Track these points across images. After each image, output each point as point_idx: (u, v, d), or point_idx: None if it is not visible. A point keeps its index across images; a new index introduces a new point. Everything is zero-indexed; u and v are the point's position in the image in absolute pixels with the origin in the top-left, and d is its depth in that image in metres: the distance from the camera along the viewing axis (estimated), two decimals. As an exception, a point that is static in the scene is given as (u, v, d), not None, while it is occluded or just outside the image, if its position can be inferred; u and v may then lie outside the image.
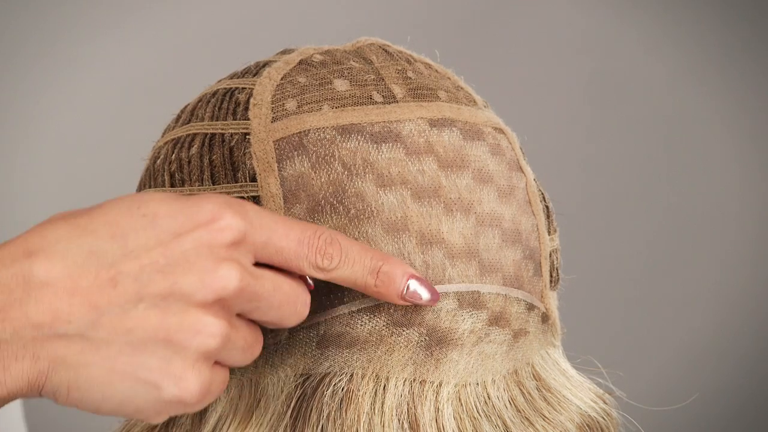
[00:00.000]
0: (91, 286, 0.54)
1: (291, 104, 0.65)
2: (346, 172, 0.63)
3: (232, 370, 0.63)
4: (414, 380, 0.63)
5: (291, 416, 0.62)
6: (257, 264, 0.58)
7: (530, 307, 0.66)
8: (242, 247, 0.56)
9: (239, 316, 0.57)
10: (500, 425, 0.64)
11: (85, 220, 0.55)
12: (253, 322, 0.59)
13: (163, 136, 0.70)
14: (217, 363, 0.57)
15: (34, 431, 1.62)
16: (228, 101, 0.67)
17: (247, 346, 0.58)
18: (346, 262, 0.59)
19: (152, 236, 0.55)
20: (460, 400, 0.63)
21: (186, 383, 0.55)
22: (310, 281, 0.60)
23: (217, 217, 0.56)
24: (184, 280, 0.54)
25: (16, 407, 1.47)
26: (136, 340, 0.54)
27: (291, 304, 0.58)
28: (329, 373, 0.63)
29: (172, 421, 0.68)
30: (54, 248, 0.54)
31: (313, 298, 0.62)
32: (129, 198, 0.56)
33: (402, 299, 0.61)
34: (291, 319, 0.59)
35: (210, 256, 0.55)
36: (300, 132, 0.64)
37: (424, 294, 0.61)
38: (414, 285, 0.61)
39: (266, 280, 0.57)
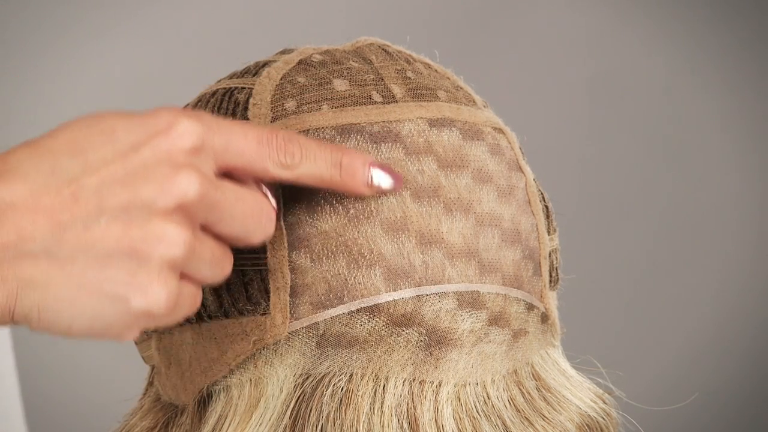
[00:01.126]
0: (53, 202, 0.53)
1: (290, 104, 0.65)
2: (345, 172, 0.63)
3: (231, 371, 0.64)
4: (413, 380, 0.63)
5: (290, 416, 0.62)
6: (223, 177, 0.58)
7: (530, 307, 0.66)
8: (202, 154, 0.56)
9: (205, 230, 0.57)
10: (500, 425, 0.64)
11: (45, 140, 0.55)
12: (221, 241, 0.58)
13: (162, 136, 0.70)
14: (186, 277, 0.57)
15: (34, 431, 1.62)
16: (227, 101, 0.67)
17: (215, 260, 0.57)
18: (308, 157, 0.59)
19: (111, 150, 0.55)
20: (459, 400, 0.63)
21: (152, 293, 0.54)
22: (273, 202, 0.60)
23: (173, 124, 0.55)
24: (143, 189, 0.54)
25: (16, 407, 1.47)
26: (101, 253, 0.54)
27: (255, 217, 0.58)
28: (328, 373, 0.63)
29: (171, 421, 0.68)
30: (16, 170, 0.54)
31: (312, 297, 0.62)
32: (87, 116, 0.56)
33: (369, 188, 0.61)
34: (257, 233, 0.58)
35: (169, 163, 0.55)
36: (299, 132, 0.64)
37: (387, 180, 0.61)
38: (377, 173, 0.61)
39: (228, 190, 0.57)
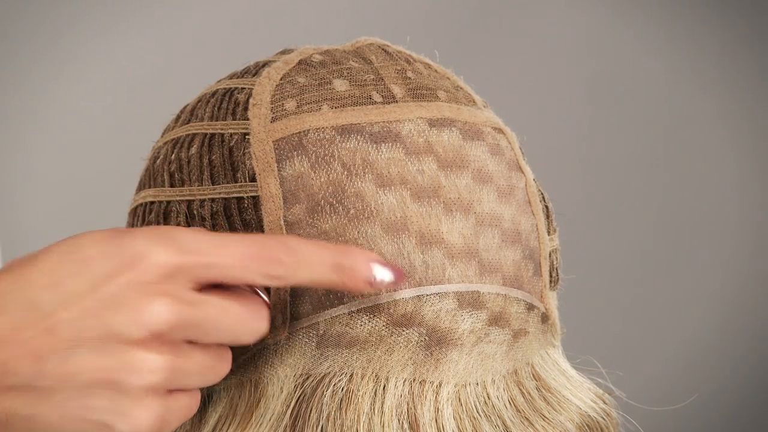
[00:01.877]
0: (32, 337, 0.55)
1: (290, 104, 0.65)
2: (345, 172, 0.63)
3: (232, 371, 0.64)
4: (414, 380, 0.63)
5: (291, 416, 0.62)
6: (210, 287, 0.58)
7: (530, 307, 0.66)
8: (178, 278, 0.57)
9: (192, 342, 0.58)
10: (500, 425, 0.64)
11: (26, 269, 0.57)
12: (211, 347, 0.59)
13: (162, 136, 0.70)
14: (177, 390, 0.58)
15: None
16: (227, 101, 0.67)
17: (205, 370, 0.58)
18: (302, 264, 0.59)
19: (84, 281, 0.56)
20: (459, 400, 0.63)
21: (135, 420, 0.56)
22: (265, 297, 0.60)
23: (146, 254, 0.56)
24: (115, 320, 0.56)
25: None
26: (81, 384, 0.56)
27: (244, 324, 0.59)
28: (329, 373, 0.63)
29: (171, 422, 0.68)
30: None
31: (312, 297, 0.62)
32: (65, 243, 0.58)
33: (370, 286, 0.60)
34: (247, 337, 0.59)
35: (141, 293, 0.56)
36: (299, 132, 0.64)
37: (389, 276, 0.60)
38: (379, 270, 0.60)
39: (209, 305, 0.57)
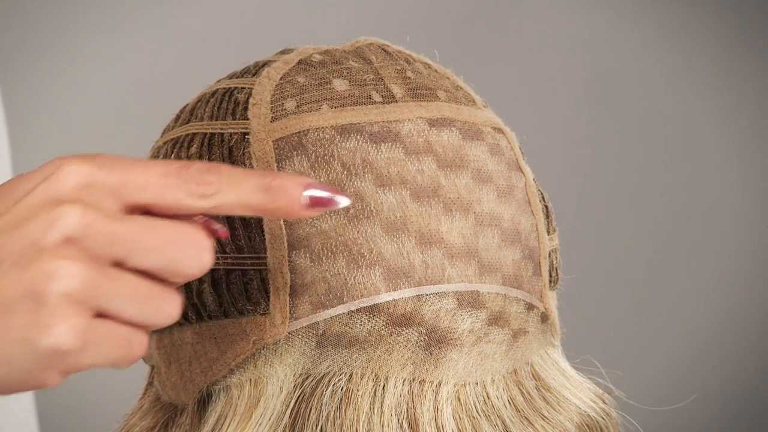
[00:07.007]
0: None
1: (290, 104, 0.65)
2: (345, 172, 0.63)
3: (232, 371, 0.64)
4: (413, 380, 0.63)
5: (290, 416, 0.62)
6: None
7: (529, 307, 0.66)
8: (92, 190, 0.55)
9: (122, 267, 0.55)
10: (499, 425, 0.64)
11: None
12: (152, 278, 0.56)
13: (162, 136, 0.70)
14: (110, 317, 0.55)
15: (45, 429, 1.62)
16: (227, 101, 0.67)
17: (139, 297, 0.55)
18: (230, 184, 0.56)
19: (6, 201, 0.55)
20: (459, 399, 0.64)
21: (55, 329, 0.53)
22: (220, 227, 0.58)
23: (60, 167, 0.55)
24: (29, 229, 0.54)
25: (29, 403, 1.47)
26: (4, 302, 0.54)
27: (175, 248, 0.55)
28: (328, 373, 0.63)
29: (171, 421, 0.68)
30: None
31: (312, 297, 0.62)
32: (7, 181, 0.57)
33: (305, 209, 0.56)
34: (185, 264, 0.56)
35: (54, 202, 0.55)
36: (299, 132, 0.64)
37: (326, 195, 0.57)
38: (315, 193, 0.57)
39: (134, 222, 0.55)
